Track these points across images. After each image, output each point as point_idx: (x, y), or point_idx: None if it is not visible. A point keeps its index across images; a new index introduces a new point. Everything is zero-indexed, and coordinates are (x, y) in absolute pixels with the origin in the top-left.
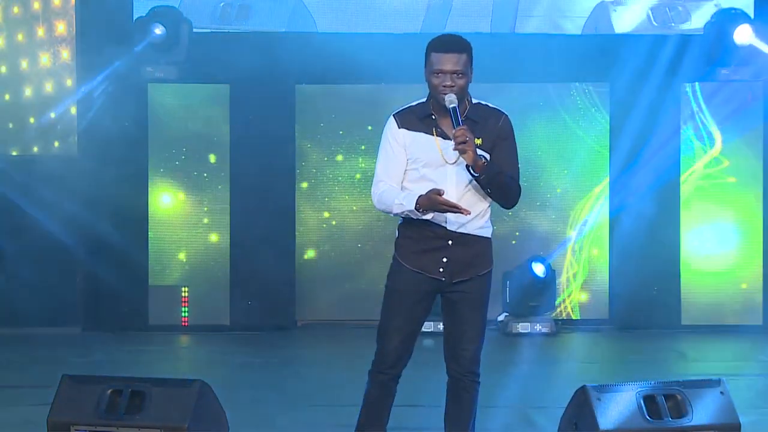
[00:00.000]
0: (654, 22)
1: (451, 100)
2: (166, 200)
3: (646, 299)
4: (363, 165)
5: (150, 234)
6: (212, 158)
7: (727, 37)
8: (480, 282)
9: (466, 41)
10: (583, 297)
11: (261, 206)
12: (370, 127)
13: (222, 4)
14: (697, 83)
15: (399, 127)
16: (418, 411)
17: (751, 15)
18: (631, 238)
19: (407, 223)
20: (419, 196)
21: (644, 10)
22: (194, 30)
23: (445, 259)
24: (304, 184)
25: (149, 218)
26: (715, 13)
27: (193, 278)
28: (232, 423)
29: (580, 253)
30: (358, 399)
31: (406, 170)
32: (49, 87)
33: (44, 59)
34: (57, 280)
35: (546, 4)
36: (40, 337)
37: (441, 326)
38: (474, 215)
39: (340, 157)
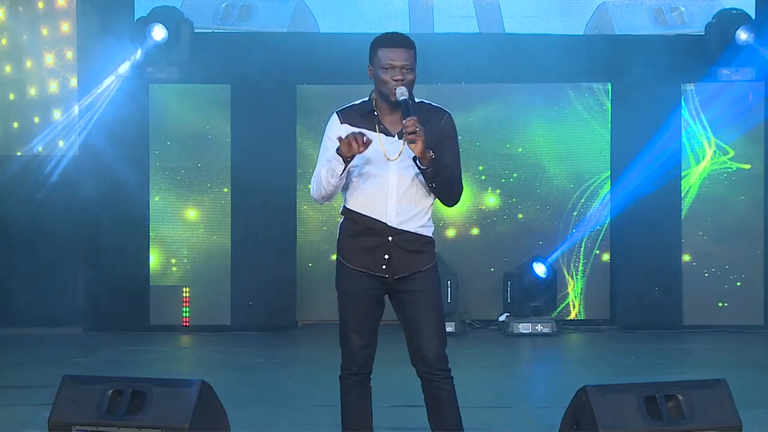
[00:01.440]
0: (655, 23)
1: (402, 92)
2: (168, 200)
3: (647, 299)
4: None
5: (151, 234)
6: (213, 158)
7: (728, 37)
8: (425, 277)
9: (411, 39)
10: (585, 297)
11: (262, 206)
12: None
13: (224, 4)
14: (698, 83)
15: (341, 123)
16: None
17: (752, 15)
18: (633, 238)
19: (347, 221)
20: (336, 150)
21: (645, 10)
22: (196, 30)
23: (387, 256)
24: (306, 184)
25: (150, 218)
26: (716, 14)
27: (194, 278)
28: (233, 423)
29: (582, 253)
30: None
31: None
32: (51, 87)
33: (48, 59)
34: (58, 280)
35: (547, 3)
36: (41, 337)
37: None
38: (415, 212)
39: None
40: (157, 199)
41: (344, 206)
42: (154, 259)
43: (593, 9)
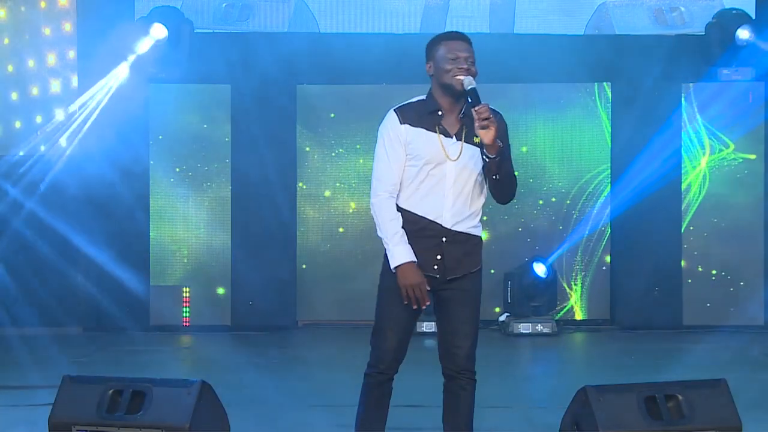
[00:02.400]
0: (655, 23)
1: (469, 81)
2: (168, 200)
3: (647, 299)
4: (364, 165)
5: (151, 234)
6: (213, 158)
7: (728, 37)
8: (472, 279)
9: None
10: (584, 297)
11: (262, 206)
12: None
13: (224, 4)
14: (698, 83)
15: (401, 123)
16: (419, 411)
17: (752, 15)
18: (633, 238)
19: (402, 219)
20: (405, 263)
21: (645, 10)
22: (196, 30)
23: (439, 257)
24: (305, 185)
25: (150, 218)
26: (716, 14)
27: (194, 278)
28: (233, 423)
29: (582, 253)
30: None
31: (405, 166)
32: (53, 87)
33: (50, 59)
34: (58, 280)
35: (547, 3)
36: (41, 337)
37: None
38: (469, 213)
39: (341, 158)
40: (156, 198)
41: (397, 204)
42: (154, 258)
43: (593, 9)
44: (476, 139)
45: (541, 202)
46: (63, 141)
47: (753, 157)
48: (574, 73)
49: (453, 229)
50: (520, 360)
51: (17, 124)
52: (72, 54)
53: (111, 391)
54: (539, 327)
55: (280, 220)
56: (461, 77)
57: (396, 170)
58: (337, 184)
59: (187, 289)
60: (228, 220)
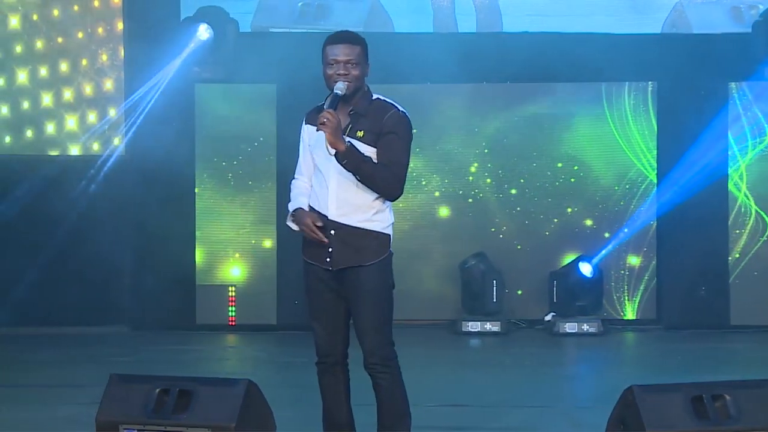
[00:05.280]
0: (732, 21)
1: (339, 87)
2: (213, 200)
3: (694, 299)
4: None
5: (197, 233)
6: (259, 158)
7: None
8: (366, 273)
9: (361, 36)
10: (631, 297)
11: None
12: (414, 130)
13: (300, 4)
14: (744, 82)
15: (305, 123)
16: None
17: None
18: (679, 237)
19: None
20: (295, 210)
21: (722, 8)
22: (273, 30)
23: (330, 249)
24: None
25: (196, 218)
26: (763, 12)
27: (240, 278)
28: (279, 423)
29: (628, 252)
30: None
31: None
32: (105, 86)
33: (102, 57)
34: (105, 279)
35: (619, 3)
36: (88, 336)
37: (488, 326)
38: (356, 206)
39: None
40: (203, 198)
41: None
42: (200, 258)
43: (669, 8)
44: (359, 134)
45: (586, 201)
46: (110, 140)
47: None
48: (620, 72)
49: (339, 221)
50: (566, 360)
51: (55, 126)
52: (119, 54)
53: (158, 391)
54: (585, 326)
55: None
56: (338, 83)
57: (303, 165)
58: None
59: (233, 289)
60: (273, 220)
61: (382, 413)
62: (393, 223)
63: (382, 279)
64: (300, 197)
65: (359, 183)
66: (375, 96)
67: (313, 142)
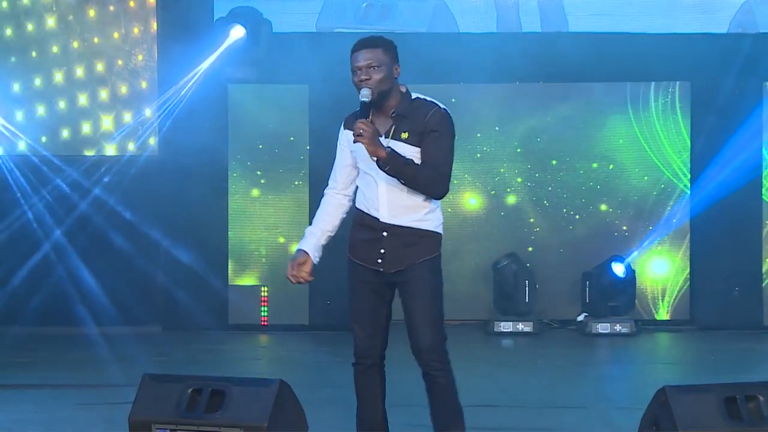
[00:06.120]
0: None
1: (363, 94)
2: (246, 200)
3: (727, 299)
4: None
5: (230, 234)
6: (291, 158)
7: None
8: (419, 270)
9: (382, 38)
10: (664, 297)
11: None
12: None
13: (365, 4)
14: None
15: (344, 129)
16: (495, 411)
17: None
18: (713, 237)
19: (355, 215)
20: (297, 249)
21: None
22: (336, 30)
23: (382, 250)
24: None
25: (229, 218)
26: None
27: (272, 278)
28: (311, 423)
29: (661, 252)
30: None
31: (354, 167)
32: (141, 85)
33: (138, 57)
34: (138, 279)
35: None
36: (121, 336)
37: (520, 326)
38: (407, 206)
39: None
40: (235, 198)
41: (355, 204)
42: (233, 258)
43: (736, 7)
44: (404, 135)
45: (620, 201)
46: (150, 140)
47: None
48: (654, 71)
49: (390, 222)
50: (598, 360)
51: (90, 126)
52: (148, 55)
53: (190, 390)
54: (618, 327)
55: None
56: (362, 90)
57: (338, 171)
58: None
59: (266, 289)
60: (306, 220)
61: (440, 410)
62: (442, 223)
63: (435, 276)
64: (315, 228)
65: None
66: (414, 95)
67: (356, 146)
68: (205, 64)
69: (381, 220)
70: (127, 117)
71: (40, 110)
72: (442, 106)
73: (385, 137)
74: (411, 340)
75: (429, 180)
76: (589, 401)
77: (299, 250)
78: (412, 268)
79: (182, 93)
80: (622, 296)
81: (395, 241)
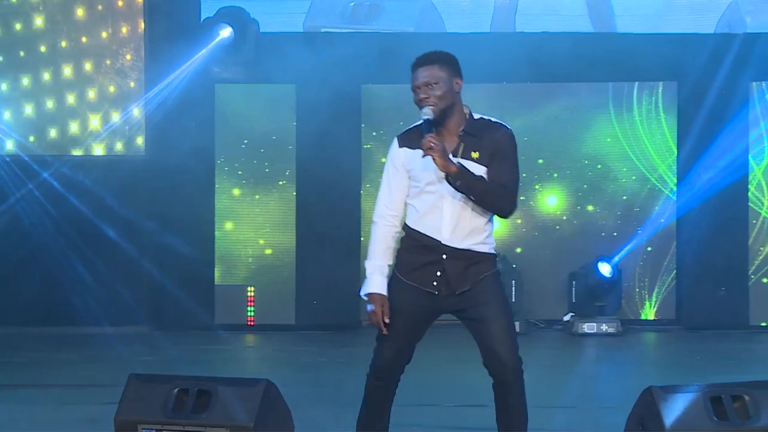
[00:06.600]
0: None
1: (425, 112)
2: (233, 200)
3: (713, 299)
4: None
5: (216, 233)
6: (279, 158)
7: None
8: (487, 283)
9: (441, 53)
10: (650, 297)
11: (326, 206)
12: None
13: (352, 4)
14: (765, 82)
15: (399, 147)
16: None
17: None
18: (699, 237)
19: (406, 237)
20: (371, 293)
21: None
22: (323, 30)
23: (438, 273)
24: (370, 185)
25: (216, 217)
26: None
27: (259, 278)
28: (297, 423)
29: (647, 252)
30: (423, 399)
31: (408, 187)
32: (119, 87)
33: (112, 60)
34: (124, 279)
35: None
36: (107, 336)
37: (604, 327)
38: (471, 229)
39: None
40: (222, 198)
41: (405, 222)
42: (219, 258)
43: (723, 6)
44: (474, 155)
45: (606, 201)
46: (130, 141)
47: None
48: (641, 71)
49: (452, 245)
50: (585, 360)
51: (95, 123)
52: (135, 55)
53: (177, 390)
54: (604, 327)
55: (344, 220)
56: (424, 108)
57: (396, 194)
58: None
59: (252, 288)
60: (293, 220)
61: (513, 419)
62: None
63: (502, 287)
64: (383, 264)
65: (473, 207)
66: (477, 115)
67: (415, 165)
68: (193, 64)
69: (442, 242)
70: (115, 116)
71: (28, 110)
72: (509, 126)
73: (453, 156)
74: (491, 351)
75: (499, 197)
76: (576, 401)
77: (380, 295)
78: (478, 284)
79: (170, 92)
80: (608, 296)
81: (456, 263)
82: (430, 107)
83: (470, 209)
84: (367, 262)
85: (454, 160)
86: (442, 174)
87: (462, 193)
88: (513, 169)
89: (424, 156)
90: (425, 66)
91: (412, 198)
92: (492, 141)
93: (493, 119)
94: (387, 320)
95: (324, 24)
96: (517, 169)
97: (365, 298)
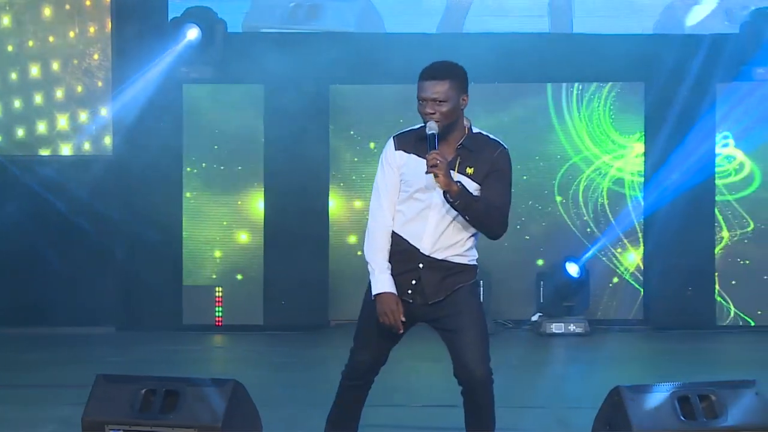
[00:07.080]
0: (725, 23)
1: (430, 126)
2: (201, 200)
3: (680, 300)
4: None
5: (184, 234)
6: (247, 158)
7: (763, 36)
8: (462, 293)
9: (452, 68)
10: (617, 297)
11: (295, 206)
12: None
13: (292, 4)
14: (732, 83)
15: (396, 149)
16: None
17: None
18: (666, 238)
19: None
20: (383, 292)
21: (715, 10)
22: (264, 30)
23: (414, 282)
24: (338, 184)
25: (183, 218)
26: (750, 12)
27: (226, 278)
28: (265, 423)
29: (614, 253)
30: (390, 399)
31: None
32: (96, 85)
33: (93, 57)
34: (92, 279)
35: (615, 2)
36: (75, 336)
37: (572, 327)
38: (454, 242)
39: (374, 158)
40: (189, 198)
41: None
42: (187, 258)
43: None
44: (469, 171)
45: (573, 201)
46: (96, 141)
47: None
48: (608, 72)
49: (431, 256)
50: (553, 360)
51: (63, 123)
52: (102, 55)
53: (144, 391)
54: (572, 327)
55: (312, 220)
56: (429, 122)
57: (390, 193)
58: (370, 184)
59: (220, 289)
60: (261, 220)
61: (481, 425)
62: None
63: (478, 298)
64: (384, 262)
65: (460, 220)
66: (476, 130)
67: (408, 170)
68: (161, 64)
69: (421, 251)
70: (83, 116)
71: None
72: (505, 145)
73: (449, 168)
74: (461, 360)
75: (494, 220)
76: (544, 401)
77: (390, 294)
78: (452, 294)
79: (138, 92)
80: (576, 296)
81: (433, 273)
82: (436, 123)
83: (456, 223)
84: (370, 261)
85: (450, 172)
86: (442, 190)
87: (457, 211)
88: (506, 191)
89: (427, 173)
90: (437, 81)
91: (399, 203)
92: (489, 160)
93: (491, 136)
94: (403, 318)
95: (263, 24)
96: (510, 191)
97: (374, 299)
